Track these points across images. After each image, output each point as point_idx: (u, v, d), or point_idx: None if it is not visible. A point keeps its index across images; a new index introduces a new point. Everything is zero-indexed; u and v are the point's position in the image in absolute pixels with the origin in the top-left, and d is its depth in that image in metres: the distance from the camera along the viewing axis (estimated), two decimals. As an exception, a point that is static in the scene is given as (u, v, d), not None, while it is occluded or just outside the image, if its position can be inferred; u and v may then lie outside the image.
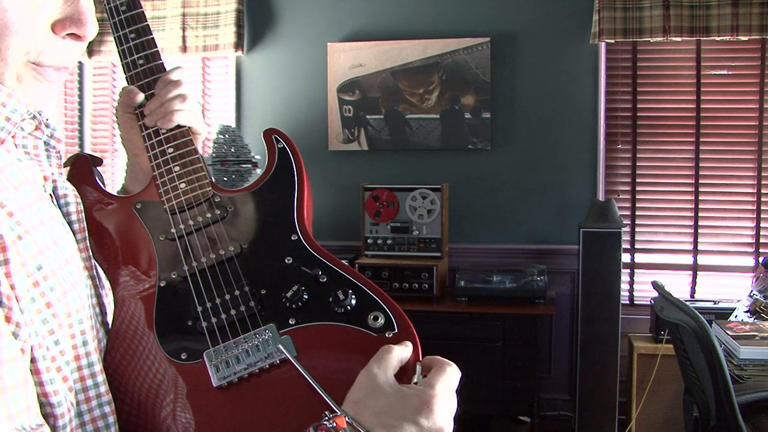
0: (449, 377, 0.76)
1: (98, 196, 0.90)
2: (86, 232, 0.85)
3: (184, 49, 3.81)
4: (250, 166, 3.54)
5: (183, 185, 0.89)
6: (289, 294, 0.82)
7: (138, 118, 0.93)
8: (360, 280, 0.84)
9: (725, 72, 3.53)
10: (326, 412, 0.70)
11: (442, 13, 3.67)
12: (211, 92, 4.03)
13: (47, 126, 0.82)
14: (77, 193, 0.86)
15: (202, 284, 0.84)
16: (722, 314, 2.92)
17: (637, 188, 3.60)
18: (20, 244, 0.68)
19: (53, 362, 0.69)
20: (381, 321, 0.82)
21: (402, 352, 0.78)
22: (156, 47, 0.94)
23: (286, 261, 0.86)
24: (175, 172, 0.90)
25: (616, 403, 3.17)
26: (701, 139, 3.52)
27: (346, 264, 0.86)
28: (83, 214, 0.85)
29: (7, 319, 0.64)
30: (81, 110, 4.11)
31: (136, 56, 0.93)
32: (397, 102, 3.71)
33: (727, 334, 2.41)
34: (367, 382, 0.73)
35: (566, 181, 3.61)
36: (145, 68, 0.93)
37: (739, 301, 3.07)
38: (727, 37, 3.31)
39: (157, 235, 0.87)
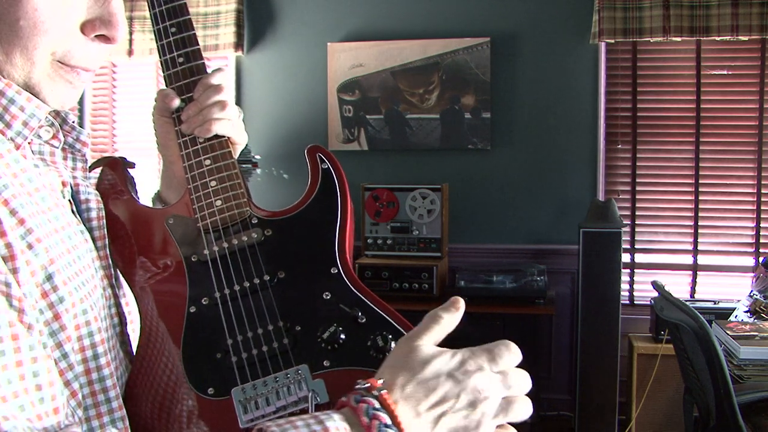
0: (514, 354, 0.71)
1: (130, 205, 0.84)
2: (107, 239, 0.82)
3: (184, 49, 3.81)
4: (250, 166, 3.53)
5: (219, 202, 0.83)
6: (325, 335, 0.77)
7: (175, 123, 0.87)
8: (399, 323, 0.79)
9: (725, 72, 3.53)
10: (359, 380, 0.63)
11: (442, 13, 3.67)
12: (211, 92, 4.02)
13: (73, 129, 0.80)
14: (100, 199, 0.83)
15: (234, 314, 0.79)
16: (722, 314, 2.91)
17: (637, 188, 3.60)
18: (29, 254, 0.66)
19: (61, 377, 0.68)
20: None
21: (450, 324, 0.73)
22: (197, 44, 0.87)
23: (324, 296, 0.81)
24: (212, 186, 0.83)
25: (616, 403, 3.17)
26: (701, 139, 3.52)
27: (385, 303, 0.81)
28: (104, 221, 0.82)
29: (21, 321, 0.63)
30: (81, 110, 4.11)
31: (175, 53, 0.86)
32: (397, 102, 3.71)
33: (727, 334, 2.41)
34: (407, 352, 0.68)
35: (566, 181, 3.61)
36: (184, 68, 0.86)
37: (739, 301, 3.07)
38: (727, 37, 3.31)
39: (189, 255, 0.82)
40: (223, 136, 0.87)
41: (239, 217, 0.83)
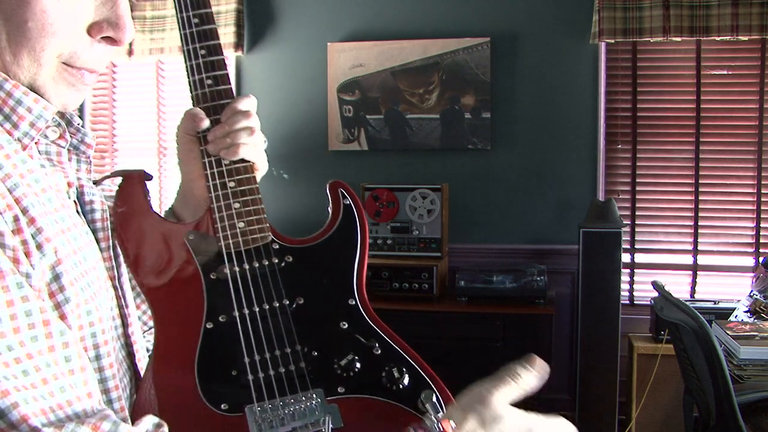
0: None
1: (148, 217, 0.85)
2: (111, 240, 0.83)
3: (184, 49, 3.81)
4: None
5: (242, 224, 0.85)
6: (342, 362, 0.80)
7: (200, 142, 0.88)
8: (412, 357, 0.82)
9: (725, 72, 3.53)
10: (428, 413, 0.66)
11: (442, 13, 3.67)
12: (211, 92, 4.02)
13: (78, 131, 0.81)
14: (104, 200, 0.84)
15: (252, 334, 0.80)
16: (722, 314, 2.91)
17: (637, 188, 3.60)
18: (39, 253, 0.67)
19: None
20: (430, 404, 0.77)
21: (528, 384, 0.76)
22: (226, 69, 0.89)
23: (341, 326, 0.83)
24: (235, 208, 0.85)
25: (616, 403, 3.17)
26: (701, 139, 3.52)
27: (398, 337, 0.83)
28: (108, 222, 0.83)
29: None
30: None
31: (204, 75, 0.87)
32: (397, 102, 3.71)
33: (727, 334, 2.41)
34: (480, 400, 0.71)
35: (566, 181, 3.61)
36: (212, 90, 0.88)
37: (739, 301, 3.07)
38: (727, 37, 3.31)
39: (208, 272, 0.82)
40: (248, 161, 0.89)
41: (261, 241, 0.85)
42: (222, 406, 0.77)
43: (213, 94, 0.87)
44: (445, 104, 3.66)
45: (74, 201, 0.80)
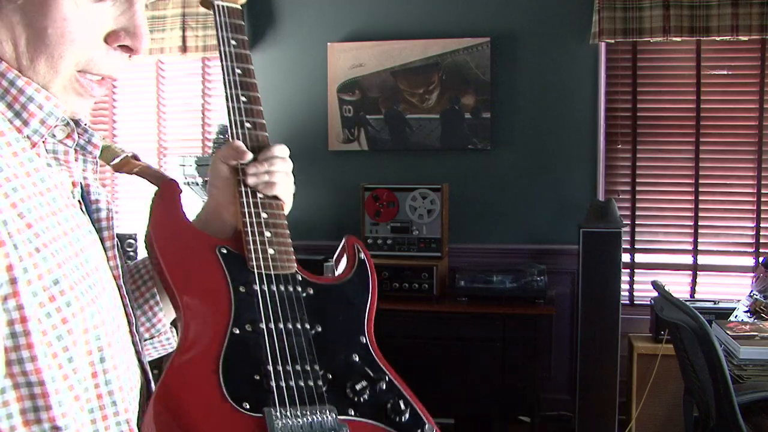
0: None
1: (182, 225, 0.92)
2: (116, 239, 0.84)
3: (184, 49, 3.81)
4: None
5: (272, 251, 0.93)
6: (354, 388, 0.89)
7: (237, 173, 0.96)
8: (411, 396, 0.92)
9: (725, 72, 3.53)
10: None
11: (442, 13, 3.67)
12: (211, 92, 4.03)
13: (85, 131, 0.82)
14: (110, 200, 0.85)
15: (277, 346, 0.87)
16: (722, 314, 2.91)
17: (637, 188, 3.60)
18: (38, 257, 0.66)
19: (65, 381, 0.68)
20: None
21: None
22: (263, 119, 1.00)
23: (353, 357, 0.93)
24: (266, 236, 0.94)
25: (616, 403, 3.17)
26: (701, 139, 3.52)
27: (400, 378, 0.93)
28: (114, 221, 0.84)
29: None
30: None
31: (244, 118, 0.99)
32: (397, 102, 3.71)
33: (727, 334, 2.41)
34: None
35: (566, 181, 3.61)
36: (251, 134, 0.98)
37: (739, 301, 3.07)
38: (727, 37, 3.31)
39: (238, 285, 0.89)
40: (280, 198, 0.98)
41: (287, 270, 0.94)
42: (244, 404, 0.82)
43: (252, 137, 0.98)
44: (445, 104, 3.66)
45: (79, 201, 0.80)
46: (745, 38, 3.31)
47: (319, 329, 0.92)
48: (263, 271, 0.91)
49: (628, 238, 3.58)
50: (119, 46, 0.74)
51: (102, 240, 0.81)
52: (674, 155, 3.57)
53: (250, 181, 0.95)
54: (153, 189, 0.96)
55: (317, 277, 0.97)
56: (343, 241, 1.07)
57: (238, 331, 0.86)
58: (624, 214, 3.55)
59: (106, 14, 0.73)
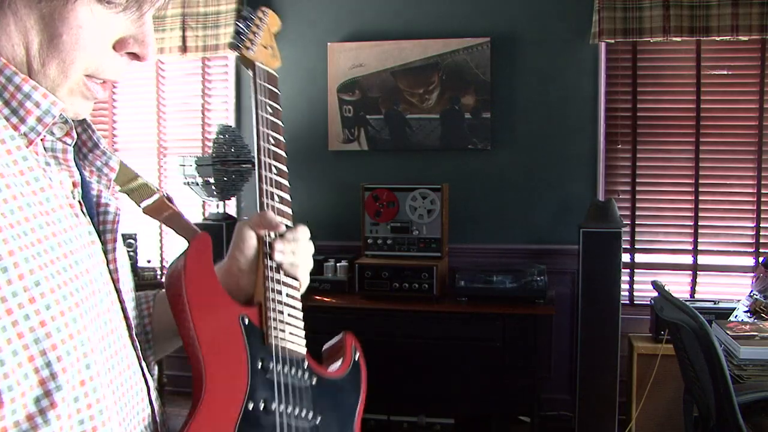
0: None
1: (214, 284, 0.91)
2: (119, 242, 0.83)
3: (184, 49, 3.81)
4: (250, 166, 3.53)
5: (288, 333, 0.95)
6: None
7: (262, 243, 0.97)
8: None
9: (725, 72, 3.53)
10: None
11: (442, 13, 3.67)
12: (211, 92, 4.03)
13: (103, 153, 0.85)
14: (120, 207, 0.85)
15: (287, 427, 0.91)
16: (722, 314, 2.91)
17: (637, 188, 3.60)
18: (19, 256, 0.66)
19: (42, 386, 0.67)
20: None
21: None
22: (287, 178, 1.05)
23: None
24: (284, 316, 0.96)
25: (616, 403, 3.17)
26: (701, 139, 3.52)
27: None
28: (119, 224, 0.84)
29: None
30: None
31: (274, 190, 1.02)
32: (397, 102, 3.71)
33: (727, 334, 2.41)
34: None
35: (566, 181, 3.61)
36: (279, 208, 1.01)
37: (739, 301, 3.07)
38: (727, 37, 3.31)
39: (256, 360, 0.90)
40: (299, 279, 1.01)
41: (299, 354, 0.96)
42: None
43: (278, 210, 1.01)
44: (445, 104, 3.66)
45: (79, 201, 0.79)
46: (745, 38, 3.31)
47: (318, 421, 0.95)
48: (279, 351, 0.93)
49: (628, 238, 3.58)
50: (127, 53, 0.76)
51: (105, 242, 0.81)
52: (674, 155, 3.56)
53: (277, 257, 0.96)
54: (181, 241, 0.95)
55: (319, 366, 1.00)
56: (341, 335, 1.09)
57: (252, 407, 0.87)
58: (624, 214, 3.55)
59: (117, 22, 0.74)
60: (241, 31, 1.07)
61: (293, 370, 0.94)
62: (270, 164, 1.03)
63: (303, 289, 1.02)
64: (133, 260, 3.72)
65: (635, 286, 3.63)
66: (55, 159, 0.78)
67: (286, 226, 0.99)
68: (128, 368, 0.79)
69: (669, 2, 3.31)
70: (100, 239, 0.80)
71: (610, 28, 3.38)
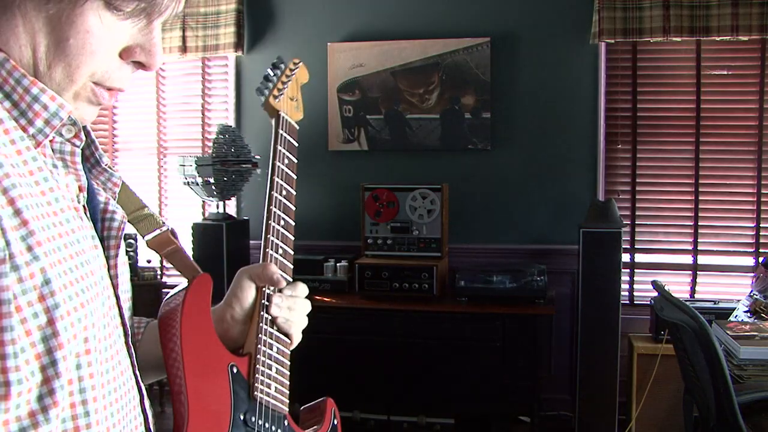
0: None
1: (208, 328, 0.91)
2: (120, 249, 0.83)
3: (184, 49, 3.81)
4: (250, 166, 3.53)
5: (273, 389, 0.96)
6: None
7: (261, 294, 0.97)
8: None
9: (725, 72, 3.53)
10: None
11: (442, 13, 3.67)
12: (211, 92, 4.03)
13: (105, 171, 0.85)
14: (125, 214, 0.86)
15: None
16: (722, 314, 2.91)
17: (637, 188, 3.60)
18: (28, 256, 0.66)
19: (46, 385, 0.67)
20: None
21: None
22: (293, 232, 1.03)
23: None
24: (273, 371, 0.97)
25: (616, 403, 3.17)
26: (701, 139, 3.52)
27: None
28: (124, 231, 0.84)
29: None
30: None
31: (279, 243, 1.01)
32: (397, 102, 3.71)
33: (727, 334, 2.41)
34: None
35: (566, 181, 3.61)
36: (281, 261, 1.01)
37: (739, 301, 3.07)
38: (727, 37, 3.31)
39: (239, 411, 0.91)
40: (290, 336, 1.01)
41: (281, 411, 0.97)
42: None
43: (281, 263, 1.00)
44: (445, 104, 3.66)
45: (83, 206, 0.79)
46: (745, 38, 3.31)
47: None
48: (262, 406, 0.93)
49: (628, 238, 3.58)
50: (133, 61, 0.77)
51: (108, 248, 0.81)
52: (674, 155, 3.57)
53: (273, 311, 0.97)
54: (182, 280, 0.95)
55: (297, 428, 1.00)
56: (322, 399, 1.11)
57: None
58: (624, 214, 3.55)
59: (125, 30, 0.75)
60: (270, 78, 1.06)
61: (273, 428, 0.94)
62: (279, 216, 1.02)
63: (293, 347, 1.02)
64: (133, 260, 3.72)
65: (635, 286, 3.63)
66: (62, 161, 0.78)
67: (287, 281, 0.99)
68: (122, 374, 0.79)
69: (669, 2, 3.31)
70: (102, 245, 0.81)
71: (610, 28, 3.38)
